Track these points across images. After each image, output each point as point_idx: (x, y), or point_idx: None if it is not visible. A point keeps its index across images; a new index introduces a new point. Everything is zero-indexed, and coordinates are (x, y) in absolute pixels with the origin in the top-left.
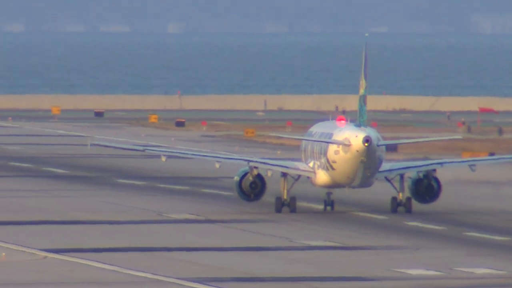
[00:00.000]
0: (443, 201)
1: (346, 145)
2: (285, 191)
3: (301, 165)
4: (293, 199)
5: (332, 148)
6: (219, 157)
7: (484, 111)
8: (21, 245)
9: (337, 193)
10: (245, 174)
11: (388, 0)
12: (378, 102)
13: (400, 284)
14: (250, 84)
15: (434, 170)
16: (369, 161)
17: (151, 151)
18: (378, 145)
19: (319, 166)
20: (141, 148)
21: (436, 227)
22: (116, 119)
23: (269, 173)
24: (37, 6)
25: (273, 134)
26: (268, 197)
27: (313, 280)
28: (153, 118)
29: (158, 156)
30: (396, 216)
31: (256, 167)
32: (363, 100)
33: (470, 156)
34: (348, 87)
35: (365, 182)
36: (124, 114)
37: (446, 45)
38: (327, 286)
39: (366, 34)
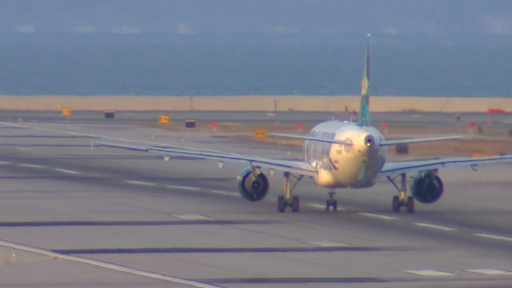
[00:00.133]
0: (453, 201)
1: (348, 144)
2: (288, 190)
3: (303, 165)
4: (295, 198)
5: (334, 147)
6: (222, 157)
7: (493, 112)
8: (32, 246)
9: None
10: (248, 173)
11: (397, 1)
12: (388, 103)
13: (411, 285)
14: (261, 85)
15: (436, 169)
16: (371, 160)
17: (154, 151)
18: (380, 145)
19: (321, 166)
20: (144, 148)
21: (446, 228)
22: (126, 120)
23: (272, 173)
24: (48, 7)
25: (275, 134)
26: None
27: (323, 281)
28: (163, 119)
29: (162, 156)
30: (405, 217)
31: (258, 167)
32: (365, 100)
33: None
34: (358, 88)
35: (367, 182)
36: (134, 115)
37: (456, 46)
38: (337, 287)
39: (368, 35)
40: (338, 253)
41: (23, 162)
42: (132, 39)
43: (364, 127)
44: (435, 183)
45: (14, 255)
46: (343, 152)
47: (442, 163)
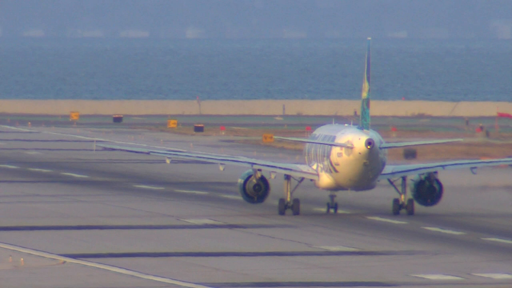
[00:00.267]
0: (460, 205)
1: (349, 147)
2: (289, 193)
3: (304, 168)
4: (296, 201)
5: (335, 150)
6: (223, 160)
7: (502, 116)
8: (40, 250)
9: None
10: (249, 176)
11: (407, 6)
12: (397, 107)
13: None
14: (269, 89)
15: (436, 172)
16: (371, 163)
17: (156, 154)
18: (380, 148)
19: (322, 169)
20: (146, 150)
21: (454, 232)
22: (135, 124)
23: (273, 176)
24: (57, 11)
25: (277, 137)
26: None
27: (332, 286)
28: (172, 123)
29: (163, 159)
30: (413, 221)
31: (259, 170)
32: (366, 103)
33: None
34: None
35: (368, 184)
36: (142, 119)
37: (465, 50)
38: None
39: (369, 38)
40: (347, 257)
41: (31, 166)
42: (140, 43)
43: (365, 130)
44: (435, 185)
45: (22, 259)
46: (344, 155)
47: (443, 166)
